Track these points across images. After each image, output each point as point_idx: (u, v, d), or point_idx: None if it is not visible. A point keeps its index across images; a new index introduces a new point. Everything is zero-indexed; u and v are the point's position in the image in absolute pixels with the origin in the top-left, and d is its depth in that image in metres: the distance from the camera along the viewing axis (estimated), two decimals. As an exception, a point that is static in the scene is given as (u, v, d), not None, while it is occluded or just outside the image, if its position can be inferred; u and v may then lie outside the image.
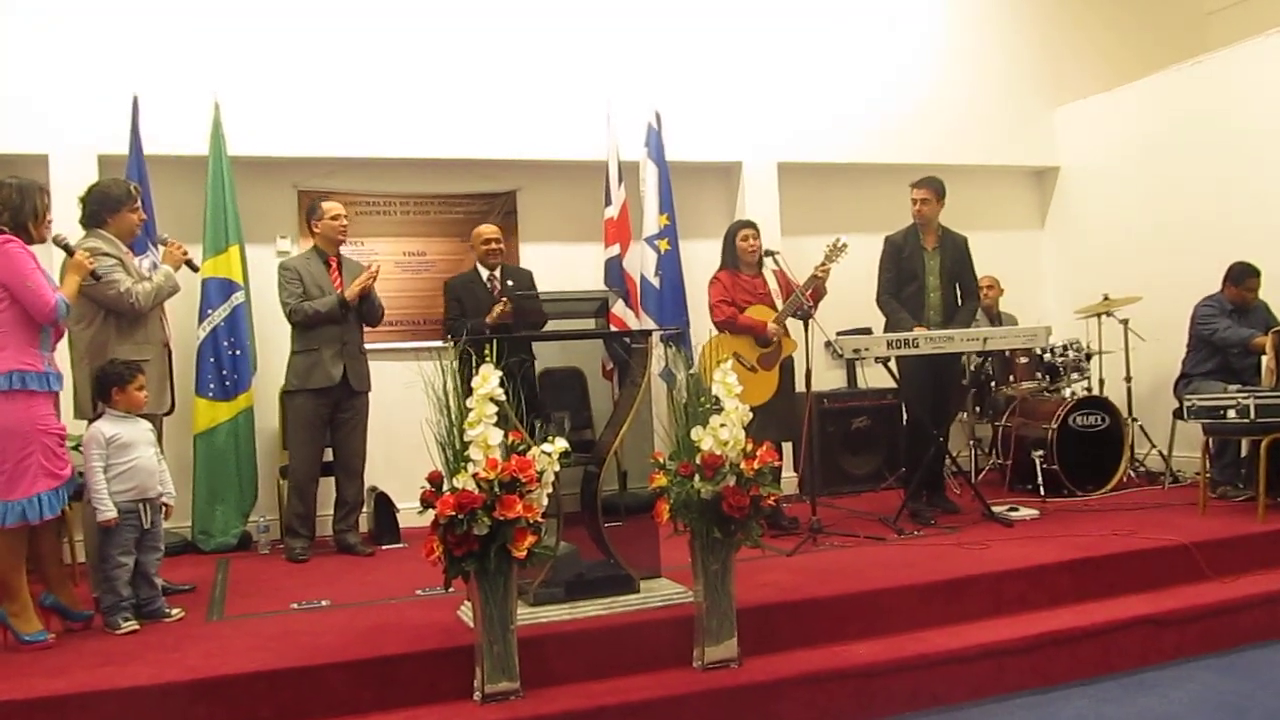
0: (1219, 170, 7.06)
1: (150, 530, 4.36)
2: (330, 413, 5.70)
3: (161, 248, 5.03)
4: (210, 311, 6.08)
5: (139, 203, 4.84)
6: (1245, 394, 5.60)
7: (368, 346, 5.89)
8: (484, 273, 6.13)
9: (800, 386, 5.87)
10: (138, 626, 4.20)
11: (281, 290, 5.66)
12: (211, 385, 6.07)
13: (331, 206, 5.79)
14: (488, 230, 6.19)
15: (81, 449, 4.31)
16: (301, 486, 5.71)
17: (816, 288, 5.80)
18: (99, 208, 4.71)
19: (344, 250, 5.96)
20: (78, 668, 3.68)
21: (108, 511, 4.20)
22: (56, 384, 4.14)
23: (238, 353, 6.11)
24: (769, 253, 5.90)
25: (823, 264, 5.79)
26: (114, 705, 3.42)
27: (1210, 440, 5.97)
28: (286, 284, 5.65)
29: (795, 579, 4.55)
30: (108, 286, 4.55)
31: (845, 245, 5.82)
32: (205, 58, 6.26)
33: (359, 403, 5.78)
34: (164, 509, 4.46)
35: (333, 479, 5.88)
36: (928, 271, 6.09)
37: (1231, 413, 5.58)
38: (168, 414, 4.97)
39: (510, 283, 6.07)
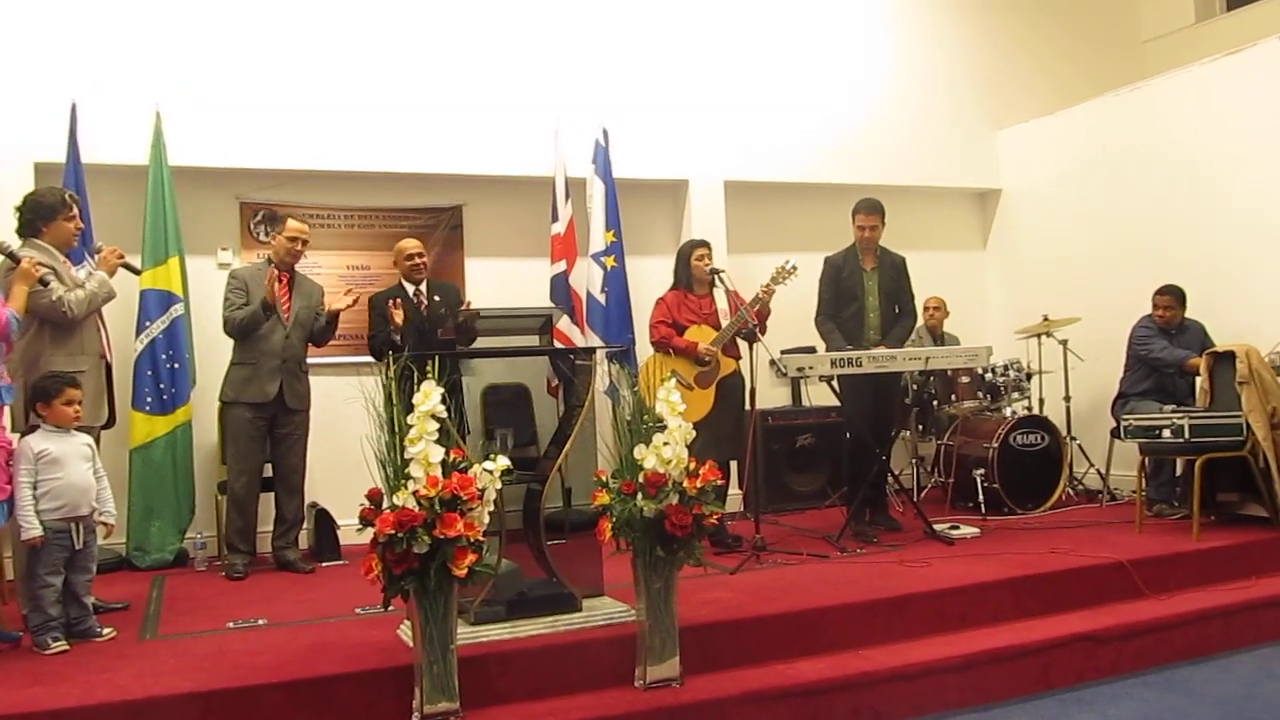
0: (1155, 194, 7.21)
1: (82, 550, 4.23)
2: (268, 427, 5.64)
3: (95, 257, 4.95)
4: (149, 324, 5.97)
5: (75, 211, 4.75)
6: (1180, 414, 5.72)
7: (310, 361, 5.81)
8: (409, 288, 6.01)
9: (747, 405, 5.88)
10: (67, 647, 4.09)
11: (224, 299, 5.61)
12: (149, 399, 5.95)
13: (294, 226, 5.68)
14: (410, 245, 6.05)
15: (11, 464, 4.16)
16: (241, 501, 5.62)
17: (761, 307, 5.80)
18: (34, 216, 4.63)
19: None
20: (4, 687, 3.58)
21: (33, 530, 4.07)
22: (8, 397, 4.06)
23: (176, 366, 6.00)
24: (714, 271, 5.91)
25: (767, 285, 5.79)
26: (41, 728, 3.33)
27: (1146, 459, 6.08)
28: (230, 293, 5.60)
29: (738, 597, 4.55)
30: (39, 295, 4.46)
31: (795, 269, 5.81)
32: (146, 66, 6.16)
33: (297, 420, 5.71)
34: (100, 528, 4.34)
35: (272, 495, 5.79)
36: (867, 292, 6.13)
37: (1167, 432, 5.68)
38: (105, 427, 4.86)
39: (436, 298, 5.99)
